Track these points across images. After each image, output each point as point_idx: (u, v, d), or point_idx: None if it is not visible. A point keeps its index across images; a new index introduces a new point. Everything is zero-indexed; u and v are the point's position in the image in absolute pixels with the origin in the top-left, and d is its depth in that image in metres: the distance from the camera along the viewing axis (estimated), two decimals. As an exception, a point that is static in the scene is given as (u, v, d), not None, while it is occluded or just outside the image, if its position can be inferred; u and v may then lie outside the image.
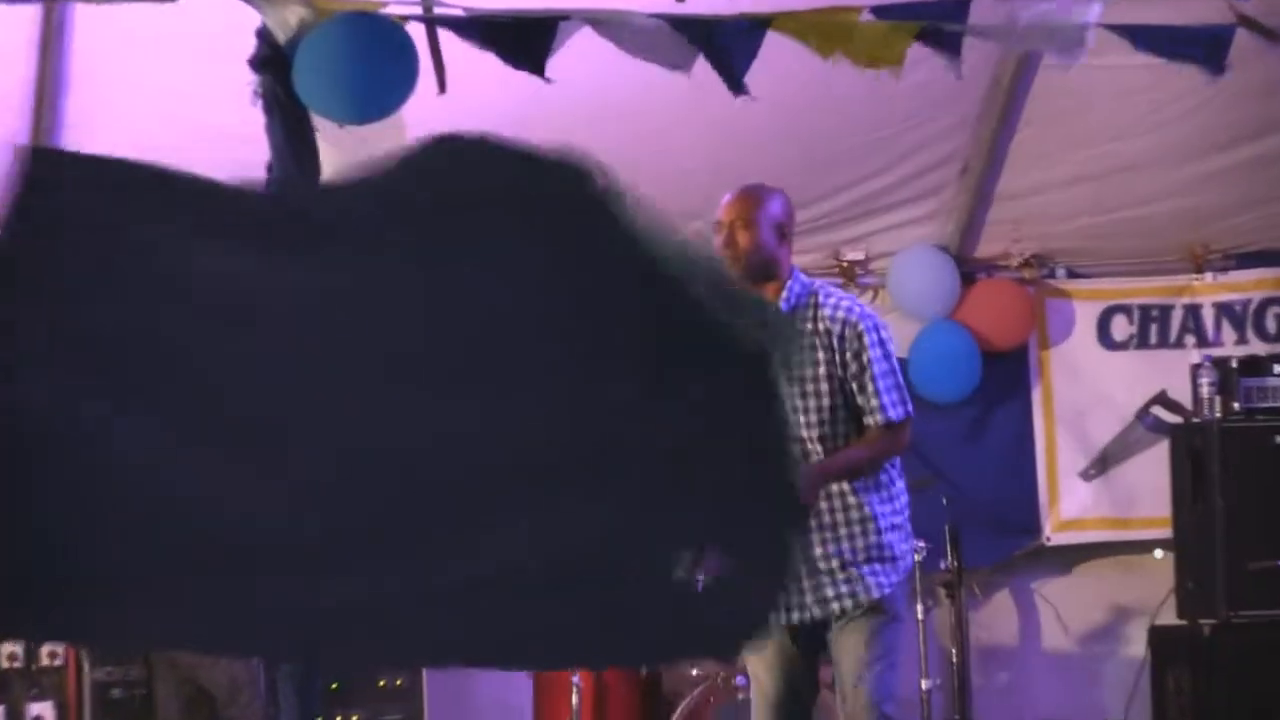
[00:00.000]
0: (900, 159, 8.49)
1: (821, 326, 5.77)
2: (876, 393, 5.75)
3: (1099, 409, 9.06)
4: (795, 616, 5.80)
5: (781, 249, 5.92)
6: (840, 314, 5.81)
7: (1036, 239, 8.99)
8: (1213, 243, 8.98)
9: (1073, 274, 9.14)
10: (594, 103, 7.06)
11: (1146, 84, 7.81)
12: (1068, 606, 9.14)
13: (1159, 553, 8.62)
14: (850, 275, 8.85)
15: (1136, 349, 9.02)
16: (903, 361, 6.78)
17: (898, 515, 5.83)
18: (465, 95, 5.93)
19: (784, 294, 5.77)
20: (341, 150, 5.58)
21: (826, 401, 5.73)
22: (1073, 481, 9.09)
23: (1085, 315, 9.14)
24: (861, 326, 5.78)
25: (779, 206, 5.90)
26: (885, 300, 8.89)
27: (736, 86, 5.76)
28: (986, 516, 8.80)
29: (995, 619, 9.10)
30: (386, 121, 5.80)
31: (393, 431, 3.02)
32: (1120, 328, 9.09)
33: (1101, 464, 9.10)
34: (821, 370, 5.74)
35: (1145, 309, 9.04)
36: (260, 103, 5.67)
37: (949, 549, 8.28)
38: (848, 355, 5.75)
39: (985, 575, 8.99)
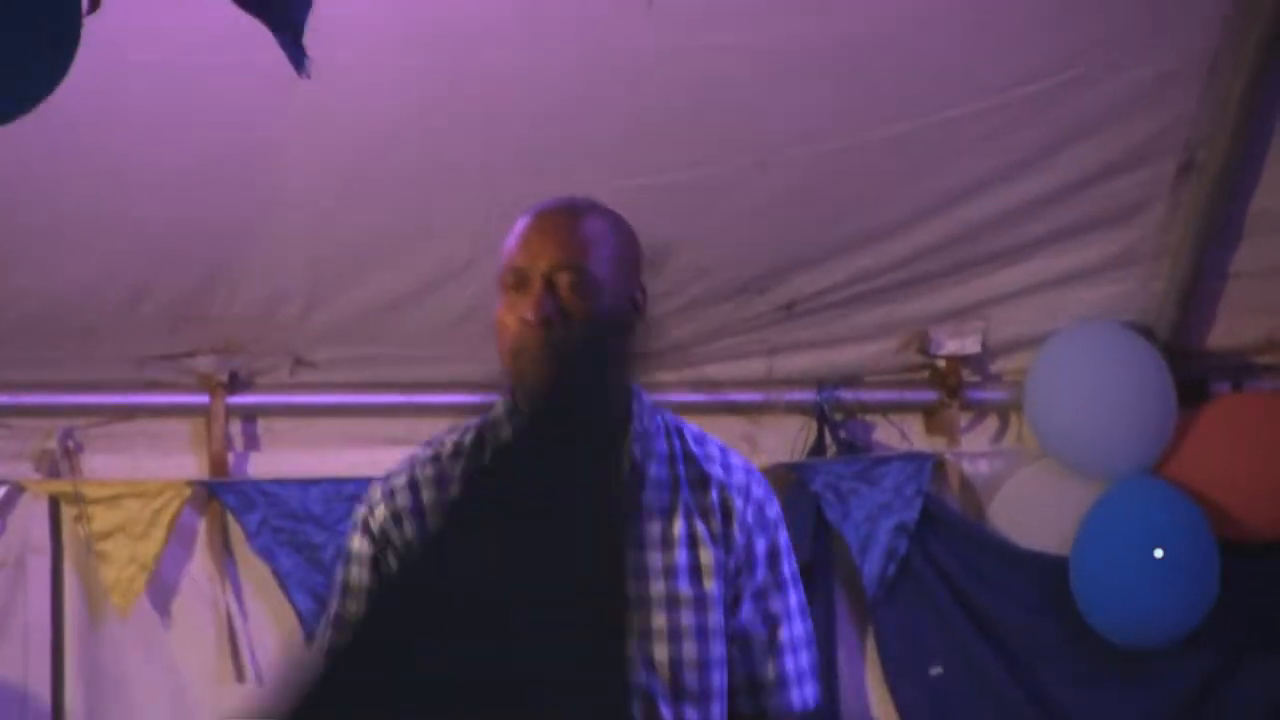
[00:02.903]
0: (1049, 150, 5.86)
1: (713, 497, 4.02)
2: (794, 646, 3.98)
3: None
4: None
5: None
6: (741, 478, 4.07)
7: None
8: None
9: None
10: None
11: None
12: None
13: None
14: (948, 386, 6.33)
15: None
16: (1062, 561, 5.72)
17: None
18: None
19: (631, 425, 4.08)
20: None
21: (716, 618, 3.97)
22: None
23: None
24: (775, 512, 4.10)
25: (630, 237, 4.11)
26: (1023, 437, 6.47)
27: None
28: None
29: None
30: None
31: None
32: None
33: None
34: (710, 577, 4.01)
35: None
36: None
37: None
38: (757, 556, 4.06)
39: None
